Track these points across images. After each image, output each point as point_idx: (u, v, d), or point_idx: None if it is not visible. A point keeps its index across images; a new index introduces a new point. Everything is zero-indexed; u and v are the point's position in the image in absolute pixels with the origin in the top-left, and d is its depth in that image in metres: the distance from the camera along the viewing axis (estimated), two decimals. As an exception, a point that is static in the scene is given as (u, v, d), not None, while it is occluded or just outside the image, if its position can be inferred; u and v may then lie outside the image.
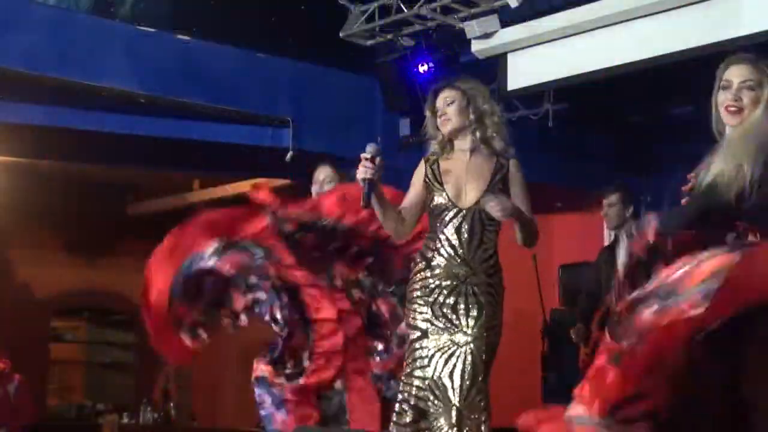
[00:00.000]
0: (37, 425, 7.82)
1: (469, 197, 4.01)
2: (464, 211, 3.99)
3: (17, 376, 7.39)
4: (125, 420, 10.39)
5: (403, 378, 3.97)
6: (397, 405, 3.95)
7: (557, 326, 7.81)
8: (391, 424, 3.95)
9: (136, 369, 11.32)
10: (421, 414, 3.89)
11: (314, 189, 5.37)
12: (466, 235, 3.96)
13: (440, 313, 3.94)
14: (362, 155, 3.79)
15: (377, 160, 3.79)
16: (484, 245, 3.96)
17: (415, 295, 4.00)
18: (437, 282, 3.97)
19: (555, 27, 6.20)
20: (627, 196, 5.98)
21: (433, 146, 4.16)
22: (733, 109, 3.11)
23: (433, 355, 3.91)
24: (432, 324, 3.95)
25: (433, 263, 3.99)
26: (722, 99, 3.14)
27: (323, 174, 5.38)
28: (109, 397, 11.01)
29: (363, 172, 3.77)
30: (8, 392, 7.26)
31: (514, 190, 4.06)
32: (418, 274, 4.02)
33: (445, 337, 3.91)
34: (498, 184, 4.03)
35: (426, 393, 3.88)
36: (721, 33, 5.49)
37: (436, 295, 3.95)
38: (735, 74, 3.13)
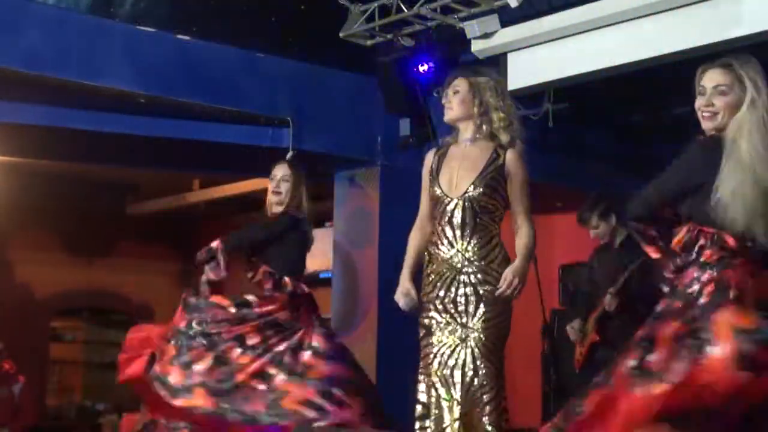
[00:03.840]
0: (37, 425, 7.82)
1: (460, 187, 4.01)
2: (455, 200, 3.98)
3: (21, 377, 7.39)
4: (125, 420, 10.39)
5: (418, 375, 4.02)
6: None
7: (557, 326, 7.81)
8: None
9: (136, 369, 11.29)
10: (426, 409, 3.90)
11: (271, 185, 5.47)
12: (458, 225, 3.96)
13: (442, 308, 3.95)
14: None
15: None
16: (478, 234, 3.95)
17: (423, 292, 4.05)
18: (437, 275, 3.99)
19: (555, 27, 6.19)
20: (604, 209, 5.98)
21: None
22: None
23: (437, 352, 3.93)
24: (436, 321, 3.97)
25: (434, 256, 4.02)
26: None
27: (280, 172, 5.47)
28: (109, 397, 10.98)
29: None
30: (13, 393, 7.26)
31: (512, 187, 4.04)
32: (425, 270, 4.07)
33: (448, 332, 3.93)
34: (491, 174, 4.01)
35: (431, 389, 3.90)
36: (721, 33, 5.47)
37: (437, 290, 3.97)
38: None
